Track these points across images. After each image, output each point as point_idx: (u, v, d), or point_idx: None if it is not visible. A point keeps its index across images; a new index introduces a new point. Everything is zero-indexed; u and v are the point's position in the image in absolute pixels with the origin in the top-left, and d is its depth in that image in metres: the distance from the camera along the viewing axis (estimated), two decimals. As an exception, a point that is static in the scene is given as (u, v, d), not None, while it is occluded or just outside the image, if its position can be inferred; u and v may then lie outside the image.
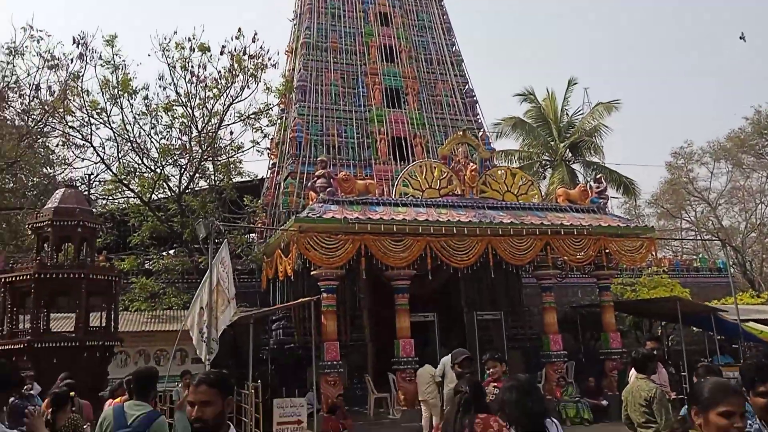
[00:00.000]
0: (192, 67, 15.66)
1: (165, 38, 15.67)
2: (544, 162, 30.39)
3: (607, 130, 29.19)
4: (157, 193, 16.40)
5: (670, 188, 38.55)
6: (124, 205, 16.23)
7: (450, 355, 12.35)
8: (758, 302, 20.66)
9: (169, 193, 16.30)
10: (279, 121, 19.18)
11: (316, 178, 13.40)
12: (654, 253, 14.85)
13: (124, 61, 15.34)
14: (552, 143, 29.74)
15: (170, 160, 15.54)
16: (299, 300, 12.68)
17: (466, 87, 20.79)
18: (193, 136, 15.64)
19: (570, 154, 29.58)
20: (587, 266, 15.42)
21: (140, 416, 4.16)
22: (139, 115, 15.30)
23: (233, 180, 17.27)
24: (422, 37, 21.23)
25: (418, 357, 12.91)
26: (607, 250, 14.27)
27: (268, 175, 19.22)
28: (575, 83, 29.92)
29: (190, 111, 15.57)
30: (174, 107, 15.52)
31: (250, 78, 15.66)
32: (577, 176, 29.04)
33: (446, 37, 21.43)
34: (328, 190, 13.10)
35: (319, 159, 13.91)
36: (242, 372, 15.25)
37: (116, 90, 14.90)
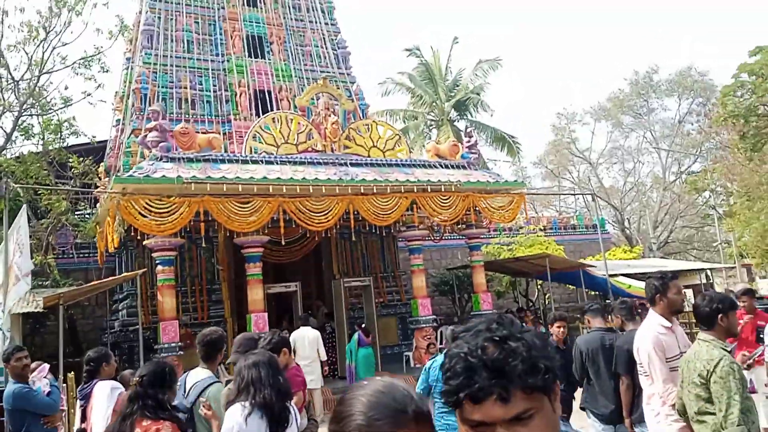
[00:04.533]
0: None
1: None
2: (429, 122, 29.62)
3: (491, 89, 28.81)
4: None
5: (554, 149, 39.28)
6: None
7: (302, 329, 11.22)
8: (630, 257, 21.03)
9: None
10: (125, 71, 16.85)
11: (147, 132, 11.52)
12: (525, 210, 14.23)
13: None
14: (437, 102, 28.98)
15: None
16: (121, 276, 10.92)
17: (338, 37, 19.25)
18: (5, 85, 13.11)
19: (455, 114, 28.97)
20: (458, 225, 14.65)
21: (198, 383, 3.96)
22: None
23: (65, 140, 14.90)
24: (289, -20, 19.35)
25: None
26: (476, 208, 13.51)
27: (112, 135, 16.90)
28: (457, 42, 29.19)
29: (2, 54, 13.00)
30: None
31: (73, 14, 13.23)
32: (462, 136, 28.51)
33: (316, -19, 19.66)
34: (161, 145, 11.25)
35: (150, 109, 11.98)
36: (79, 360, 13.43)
37: None
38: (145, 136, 11.44)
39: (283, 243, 11.99)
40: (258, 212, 11.29)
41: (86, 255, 14.88)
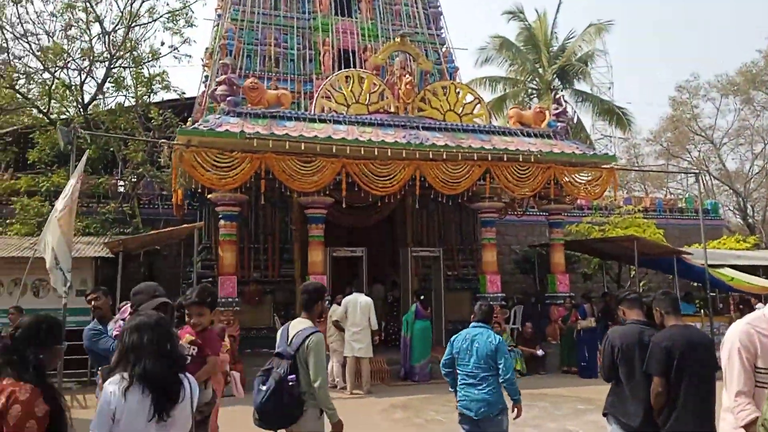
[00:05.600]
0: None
1: None
2: (530, 90, 28.02)
3: (601, 54, 26.66)
4: (66, 105, 14.53)
5: (672, 125, 36.05)
6: (25, 118, 14.36)
7: (354, 294, 10.86)
8: (743, 247, 18.85)
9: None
10: (215, 27, 17.03)
11: (216, 86, 11.46)
12: (615, 186, 12.93)
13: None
14: (540, 70, 27.30)
15: (67, 63, 13.49)
16: (177, 227, 11.03)
17: (431, -4, 18.39)
18: (94, 36, 13.57)
19: (558, 81, 27.17)
20: (541, 200, 13.63)
21: (298, 332, 4.04)
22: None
23: (156, 94, 15.31)
24: (382, -65, 18.64)
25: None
26: (559, 182, 12.42)
27: (200, 91, 17.22)
28: (562, 2, 27.17)
29: (92, 5, 13.40)
30: (75, 4, 13.37)
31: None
32: (565, 106, 26.71)
33: (411, -63, 18.79)
34: (229, 99, 11.16)
35: (220, 62, 11.91)
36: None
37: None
38: (215, 89, 11.39)
39: (348, 206, 11.59)
40: (320, 172, 10.97)
41: (169, 206, 15.31)
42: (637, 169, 30.85)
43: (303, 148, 10.84)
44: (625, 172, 35.27)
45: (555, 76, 26.82)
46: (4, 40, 13.45)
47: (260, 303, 14.15)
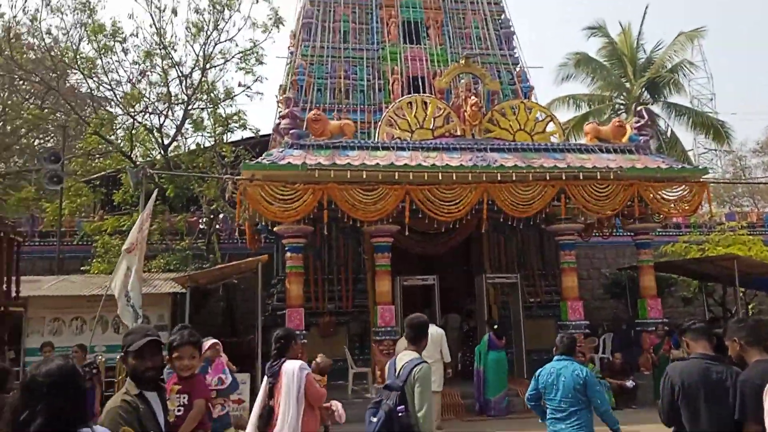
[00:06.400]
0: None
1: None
2: (617, 105, 26.64)
3: (692, 67, 24.98)
4: (149, 147, 15.30)
5: (782, 133, 33.16)
6: (111, 162, 15.21)
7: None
8: None
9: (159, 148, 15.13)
10: (288, 65, 17.48)
11: (280, 120, 11.60)
12: (708, 201, 11.80)
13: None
14: (627, 84, 25.95)
15: (147, 107, 14.23)
16: (238, 262, 11.10)
17: (502, 17, 18.01)
18: (171, 79, 14.25)
19: (647, 95, 25.68)
20: (627, 219, 12.68)
21: (405, 364, 4.15)
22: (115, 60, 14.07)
23: (232, 133, 15.83)
24: (450, -39, 18.54)
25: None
26: (643, 199, 11.48)
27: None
28: (647, 13, 25.73)
29: (169, 51, 14.13)
30: (155, 51, 14.13)
31: (227, 10, 13.88)
32: (657, 120, 25.18)
33: (479, -40, 18.57)
34: (292, 132, 11.24)
35: (283, 96, 12.07)
36: (234, 340, 14.09)
37: (90, 36, 13.74)
38: (278, 123, 11.53)
39: (420, 233, 11.28)
40: (383, 200, 10.74)
41: (244, 240, 15.61)
42: (736, 182, 28.42)
43: (365, 176, 10.67)
44: (731, 186, 32.72)
45: (644, 89, 25.38)
46: (88, 89, 14.39)
47: (335, 334, 14.01)
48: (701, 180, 11.79)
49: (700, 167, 13.52)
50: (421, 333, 4.36)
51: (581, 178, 11.21)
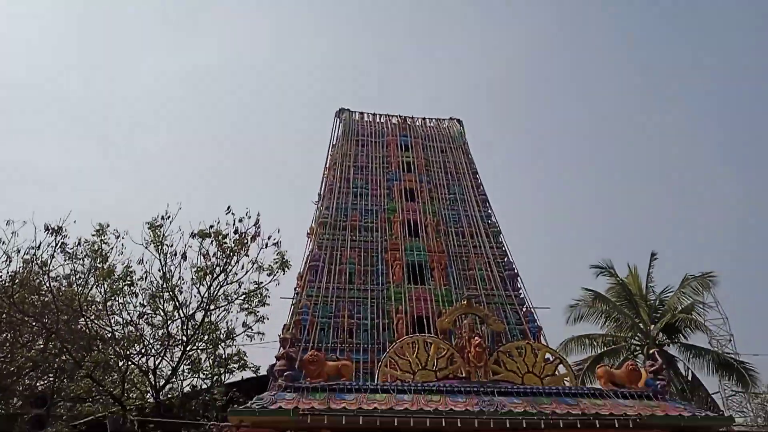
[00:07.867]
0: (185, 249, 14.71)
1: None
2: (633, 347, 25.86)
3: (706, 308, 24.78)
4: (142, 389, 14.64)
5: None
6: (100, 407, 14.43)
7: None
8: None
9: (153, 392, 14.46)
10: (292, 305, 17.53)
11: (275, 361, 11.15)
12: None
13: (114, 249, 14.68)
14: (640, 325, 25.51)
15: (144, 349, 13.91)
16: None
17: (505, 259, 18.46)
18: (173, 321, 14.15)
19: (663, 336, 25.05)
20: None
21: None
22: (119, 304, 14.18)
23: (232, 374, 15.29)
24: (454, 210, 19.72)
25: None
26: (669, 450, 10.36)
27: (277, 367, 17.05)
28: (656, 258, 26.39)
29: (174, 294, 14.28)
30: (159, 294, 14.32)
31: (235, 255, 14.36)
32: (677, 363, 24.21)
33: (481, 208, 19.77)
34: (286, 374, 10.71)
35: (281, 337, 11.80)
36: None
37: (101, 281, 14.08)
38: (273, 365, 11.07)
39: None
40: (380, 450, 9.74)
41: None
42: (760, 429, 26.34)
43: (361, 422, 9.85)
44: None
45: (659, 331, 24.87)
46: (85, 327, 14.25)
47: None
48: (732, 428, 10.74)
49: (726, 415, 12.41)
50: None
51: (597, 426, 10.25)
